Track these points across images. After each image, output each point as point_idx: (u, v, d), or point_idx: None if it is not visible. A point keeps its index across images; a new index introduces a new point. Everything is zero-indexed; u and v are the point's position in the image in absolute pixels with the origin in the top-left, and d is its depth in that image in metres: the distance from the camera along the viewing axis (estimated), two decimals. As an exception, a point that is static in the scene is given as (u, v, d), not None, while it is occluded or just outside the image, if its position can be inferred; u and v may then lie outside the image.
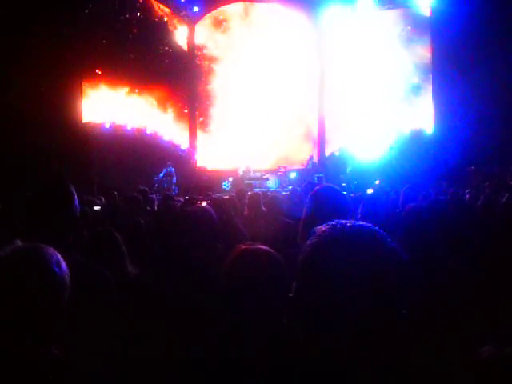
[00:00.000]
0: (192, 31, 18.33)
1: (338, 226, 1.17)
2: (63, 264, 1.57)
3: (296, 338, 1.17)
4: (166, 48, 17.81)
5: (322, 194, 2.66)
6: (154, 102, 17.30)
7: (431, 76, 17.22)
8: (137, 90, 16.83)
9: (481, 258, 3.48)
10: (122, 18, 16.39)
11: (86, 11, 14.78)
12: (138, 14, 16.86)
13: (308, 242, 1.18)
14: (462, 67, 14.67)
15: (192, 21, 18.23)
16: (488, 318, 2.38)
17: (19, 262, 1.49)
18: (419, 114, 17.30)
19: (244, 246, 1.77)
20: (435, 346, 2.28)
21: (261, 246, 1.78)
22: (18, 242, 1.95)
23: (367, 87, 17.82)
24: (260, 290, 1.64)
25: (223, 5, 18.39)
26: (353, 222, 1.20)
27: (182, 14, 17.99)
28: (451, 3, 15.18)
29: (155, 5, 17.25)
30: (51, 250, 1.56)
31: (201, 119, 18.63)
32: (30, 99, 12.58)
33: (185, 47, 18.23)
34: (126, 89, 16.72)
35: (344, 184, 14.84)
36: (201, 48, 18.51)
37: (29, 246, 1.57)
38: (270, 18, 18.58)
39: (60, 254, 1.56)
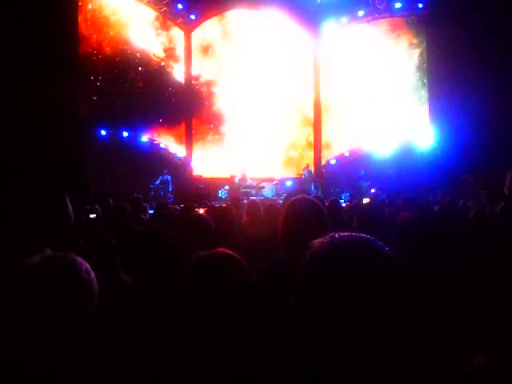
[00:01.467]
0: (188, 38, 18.41)
1: (336, 237, 1.19)
2: (92, 273, 1.57)
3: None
4: (170, 89, 18.11)
5: (294, 206, 2.64)
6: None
7: (426, 82, 17.31)
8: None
9: (475, 268, 3.48)
10: (128, 77, 16.94)
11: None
12: (140, 68, 17.29)
13: (306, 255, 1.19)
14: (458, 72, 14.73)
15: (189, 28, 18.32)
16: (482, 326, 2.38)
17: (53, 270, 1.48)
18: (415, 122, 17.38)
19: (199, 253, 1.79)
20: (430, 354, 2.27)
21: (219, 250, 1.80)
22: (49, 251, 1.93)
23: (366, 95, 17.89)
24: (221, 292, 1.67)
25: (220, 13, 18.47)
26: (350, 233, 1.21)
27: (178, 21, 18.07)
28: (445, 5, 15.30)
29: (151, 54, 17.62)
30: (80, 259, 1.55)
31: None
32: (27, 102, 12.57)
33: (182, 76, 18.46)
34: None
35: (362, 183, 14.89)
36: (197, 77, 18.65)
37: (61, 255, 1.55)
38: (267, 25, 18.66)
39: None
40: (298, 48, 19.09)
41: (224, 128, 18.71)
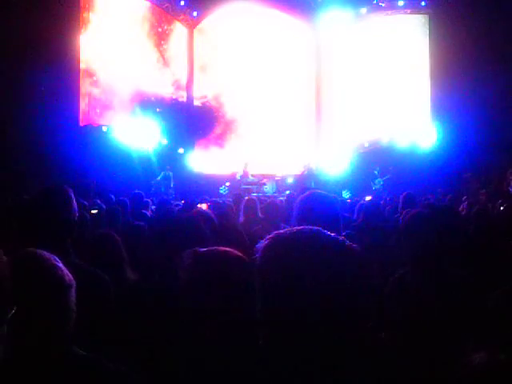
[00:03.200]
0: (191, 35, 18.41)
1: (277, 233, 1.24)
2: (59, 264, 1.56)
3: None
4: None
5: (308, 201, 2.59)
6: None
7: (429, 80, 17.29)
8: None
9: (476, 265, 3.49)
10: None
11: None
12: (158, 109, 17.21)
13: (255, 257, 1.23)
14: (461, 70, 14.71)
15: (191, 25, 18.31)
16: (483, 324, 2.39)
17: (19, 267, 1.49)
18: (418, 120, 17.36)
19: (198, 249, 1.80)
20: (430, 353, 2.29)
21: (219, 248, 1.81)
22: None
23: (367, 91, 17.88)
24: (217, 288, 1.68)
25: (221, 7, 18.44)
26: (293, 228, 1.25)
27: (180, 18, 18.07)
28: (448, 3, 15.28)
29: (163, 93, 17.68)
30: (44, 253, 1.56)
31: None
32: (27, 99, 12.60)
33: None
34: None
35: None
36: (204, 96, 18.69)
37: (24, 252, 1.56)
38: (268, 23, 18.65)
39: (58, 257, 1.55)
40: (300, 44, 19.05)
41: (226, 126, 18.75)
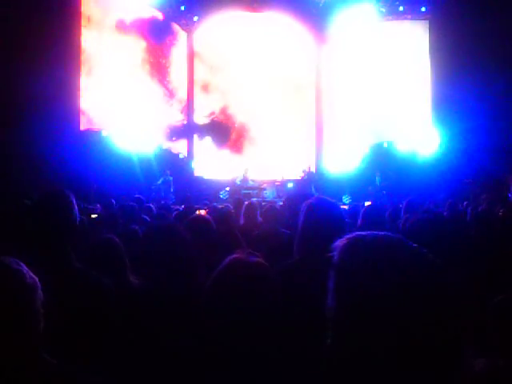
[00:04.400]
0: (190, 39, 18.46)
1: (359, 235, 1.21)
2: (22, 267, 1.51)
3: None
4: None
5: (314, 207, 2.59)
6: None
7: (430, 85, 17.29)
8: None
9: (477, 270, 3.48)
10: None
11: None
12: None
13: (334, 254, 1.21)
14: (462, 76, 14.71)
15: (191, 29, 18.36)
16: (483, 330, 2.37)
17: None
18: (419, 126, 17.37)
19: (235, 255, 1.74)
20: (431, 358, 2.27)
21: (252, 257, 1.75)
22: None
23: (368, 97, 17.90)
24: (245, 300, 1.61)
25: (221, 13, 18.48)
26: (373, 232, 1.23)
27: (181, 22, 18.12)
28: (448, 9, 15.31)
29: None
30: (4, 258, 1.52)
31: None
32: (28, 101, 12.62)
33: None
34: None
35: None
36: (213, 113, 18.75)
37: None
38: (269, 28, 18.69)
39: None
40: (301, 49, 19.07)
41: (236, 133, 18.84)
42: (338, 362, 1.15)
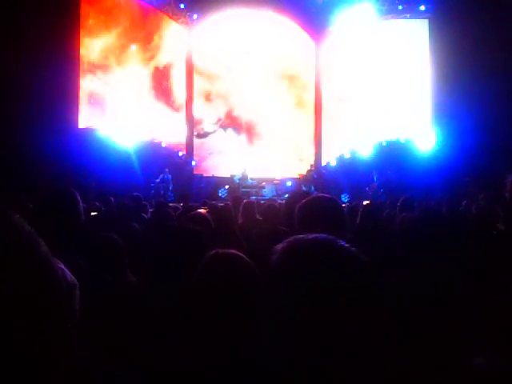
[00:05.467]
0: (190, 37, 18.45)
1: (296, 238, 1.22)
2: (61, 265, 1.54)
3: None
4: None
5: (312, 205, 2.55)
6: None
7: (430, 84, 17.30)
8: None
9: (476, 269, 3.49)
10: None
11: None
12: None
13: (271, 259, 1.21)
14: (461, 74, 14.70)
15: (190, 27, 18.34)
16: (482, 328, 2.39)
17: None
18: (418, 123, 17.39)
19: (215, 251, 1.81)
20: (430, 358, 2.28)
21: (232, 251, 1.82)
22: None
23: (367, 95, 17.91)
24: (227, 293, 1.68)
25: (221, 11, 18.47)
26: (310, 234, 1.23)
27: (180, 20, 18.10)
28: (447, 7, 15.30)
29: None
30: None
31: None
32: (27, 101, 12.61)
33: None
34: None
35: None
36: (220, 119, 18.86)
37: None
38: (268, 26, 18.69)
39: (64, 259, 1.54)
40: (301, 48, 19.08)
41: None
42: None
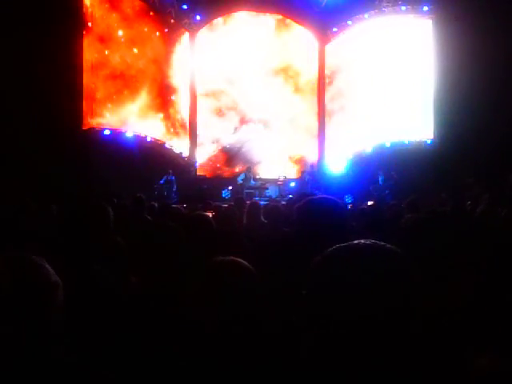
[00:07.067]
0: (193, 39, 18.44)
1: (352, 242, 1.23)
2: (45, 264, 1.58)
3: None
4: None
5: (312, 206, 2.55)
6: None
7: (433, 83, 17.24)
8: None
9: (483, 270, 3.46)
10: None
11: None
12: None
13: (319, 256, 1.22)
14: (464, 74, 14.65)
15: (194, 29, 18.34)
16: (487, 329, 2.37)
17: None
18: (419, 122, 17.35)
19: (215, 258, 1.85)
20: (434, 357, 2.26)
21: (233, 258, 1.85)
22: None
23: (370, 95, 17.89)
24: (229, 299, 1.70)
25: (226, 14, 18.48)
26: (365, 240, 1.24)
27: (183, 22, 18.09)
28: (450, 7, 15.28)
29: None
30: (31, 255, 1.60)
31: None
32: (28, 101, 12.63)
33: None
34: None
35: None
36: None
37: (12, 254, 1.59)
38: (272, 28, 18.70)
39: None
40: (303, 49, 19.06)
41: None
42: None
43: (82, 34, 15.43)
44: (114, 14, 16.38)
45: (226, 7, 18.18)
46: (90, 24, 15.84)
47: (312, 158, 18.77)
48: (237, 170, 17.89)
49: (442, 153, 15.72)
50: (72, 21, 14.51)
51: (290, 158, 18.76)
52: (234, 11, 18.41)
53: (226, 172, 18.24)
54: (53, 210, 6.00)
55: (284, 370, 1.52)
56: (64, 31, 13.72)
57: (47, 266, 1.56)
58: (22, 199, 5.32)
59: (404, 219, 4.51)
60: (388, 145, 17.35)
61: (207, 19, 18.39)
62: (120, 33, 16.59)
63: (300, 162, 18.71)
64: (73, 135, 14.28)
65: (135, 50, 16.92)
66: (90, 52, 15.67)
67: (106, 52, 16.25)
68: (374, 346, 1.09)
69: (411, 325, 1.13)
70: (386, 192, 14.74)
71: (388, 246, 1.22)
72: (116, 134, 16.01)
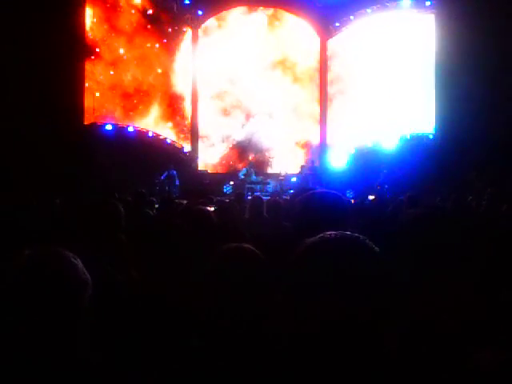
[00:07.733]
0: (195, 34, 18.41)
1: (327, 234, 1.25)
2: (78, 262, 1.52)
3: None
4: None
5: (313, 200, 2.53)
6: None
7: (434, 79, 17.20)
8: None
9: (485, 266, 3.46)
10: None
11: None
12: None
13: (297, 251, 1.24)
14: (467, 70, 14.61)
15: (196, 24, 18.31)
16: (488, 324, 2.37)
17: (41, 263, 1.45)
18: (421, 116, 17.33)
19: (227, 245, 1.84)
20: (435, 354, 2.26)
21: (244, 245, 1.84)
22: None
23: (371, 90, 17.87)
24: (241, 287, 1.70)
25: (227, 9, 18.45)
26: (339, 232, 1.25)
27: (186, 17, 18.07)
28: (452, 2, 15.24)
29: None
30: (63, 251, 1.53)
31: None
32: (31, 97, 12.64)
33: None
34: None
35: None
36: None
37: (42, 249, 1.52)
38: (275, 23, 18.69)
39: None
40: (305, 44, 19.05)
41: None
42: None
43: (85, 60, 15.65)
44: (113, 34, 16.57)
45: (227, 1, 18.14)
46: (97, 50, 16.27)
47: (316, 141, 18.82)
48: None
49: (444, 147, 15.68)
50: (79, 47, 14.70)
51: (297, 143, 18.92)
52: (236, 6, 18.38)
53: (240, 166, 18.38)
54: (56, 204, 5.99)
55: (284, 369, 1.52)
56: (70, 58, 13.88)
57: (79, 262, 1.51)
58: (25, 194, 5.35)
59: (404, 214, 4.51)
60: (389, 140, 17.32)
61: (209, 14, 18.36)
62: (122, 51, 16.81)
63: (306, 145, 18.89)
64: (75, 130, 14.28)
65: (140, 65, 17.14)
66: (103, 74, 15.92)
67: (112, 72, 16.48)
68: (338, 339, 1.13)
69: (379, 321, 1.15)
70: (386, 187, 14.73)
71: (355, 235, 1.24)
72: (118, 129, 16.01)
